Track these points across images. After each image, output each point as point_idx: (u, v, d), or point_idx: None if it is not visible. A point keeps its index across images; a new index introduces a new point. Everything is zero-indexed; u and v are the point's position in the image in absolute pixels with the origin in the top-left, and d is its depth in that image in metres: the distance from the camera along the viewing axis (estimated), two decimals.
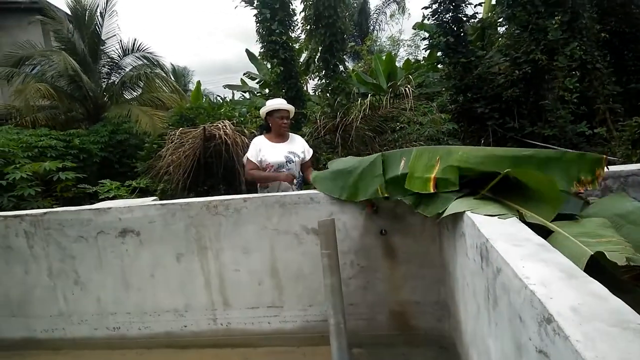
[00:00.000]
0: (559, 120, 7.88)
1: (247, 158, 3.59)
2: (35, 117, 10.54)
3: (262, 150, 3.55)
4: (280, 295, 2.99)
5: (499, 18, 10.28)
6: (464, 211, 2.02)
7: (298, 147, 3.67)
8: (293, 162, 3.58)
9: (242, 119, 6.85)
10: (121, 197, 5.90)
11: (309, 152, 3.75)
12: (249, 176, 3.58)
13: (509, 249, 1.43)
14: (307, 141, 4.01)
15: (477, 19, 10.59)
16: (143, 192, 6.57)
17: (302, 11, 8.25)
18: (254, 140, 3.75)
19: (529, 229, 1.65)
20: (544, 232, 1.81)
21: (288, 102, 3.80)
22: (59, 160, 6.70)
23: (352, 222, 2.84)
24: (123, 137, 9.80)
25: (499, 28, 11.17)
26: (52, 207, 4.96)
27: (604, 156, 1.98)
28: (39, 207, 4.32)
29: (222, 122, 5.81)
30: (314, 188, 3.01)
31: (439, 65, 11.06)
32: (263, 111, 3.73)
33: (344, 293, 2.65)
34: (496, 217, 1.85)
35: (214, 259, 3.01)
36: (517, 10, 8.38)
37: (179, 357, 3.03)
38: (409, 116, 7.39)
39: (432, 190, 2.25)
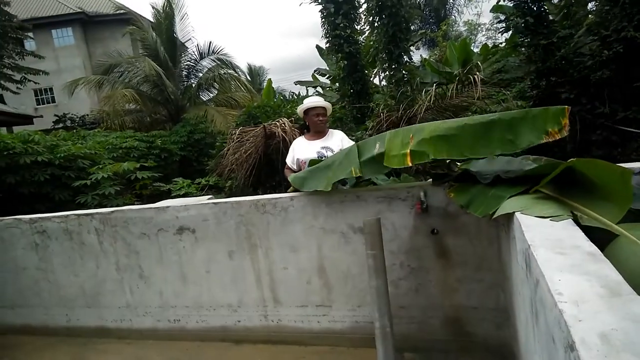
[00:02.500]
0: None
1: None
2: (122, 120, 11.53)
3: (296, 150, 3.56)
4: (329, 295, 2.94)
5: None
6: (514, 212, 1.83)
7: (334, 142, 3.57)
8: (326, 157, 3.51)
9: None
10: (191, 194, 6.22)
11: (348, 145, 3.64)
12: (284, 175, 3.68)
13: (550, 257, 1.25)
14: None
15: None
16: (214, 189, 6.88)
17: (365, 2, 8.09)
18: (294, 141, 3.77)
19: (582, 234, 1.43)
20: (610, 235, 1.58)
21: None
22: (142, 160, 7.23)
23: (401, 221, 2.71)
24: (200, 136, 10.37)
25: (588, 5, 10.13)
26: (133, 204, 5.35)
27: (567, 107, 1.96)
28: (119, 205, 4.69)
29: (281, 119, 5.87)
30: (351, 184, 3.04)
31: (521, 49, 10.29)
32: (299, 111, 3.71)
33: (394, 295, 2.55)
34: (548, 219, 1.64)
35: (263, 256, 3.04)
36: None
37: (235, 352, 3.11)
38: (480, 105, 6.94)
39: (409, 164, 2.30)
